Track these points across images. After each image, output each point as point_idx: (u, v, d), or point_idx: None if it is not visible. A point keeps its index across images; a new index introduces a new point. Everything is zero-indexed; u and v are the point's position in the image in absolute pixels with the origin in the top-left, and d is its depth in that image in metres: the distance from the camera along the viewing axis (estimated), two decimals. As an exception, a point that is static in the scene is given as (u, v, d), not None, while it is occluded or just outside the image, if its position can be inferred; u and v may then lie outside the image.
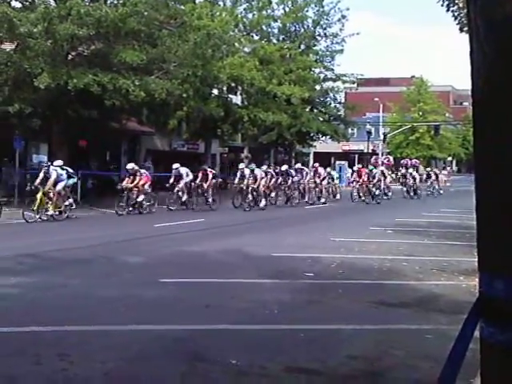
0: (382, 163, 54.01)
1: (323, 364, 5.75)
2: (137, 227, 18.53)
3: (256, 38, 41.23)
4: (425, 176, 39.60)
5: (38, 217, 19.03)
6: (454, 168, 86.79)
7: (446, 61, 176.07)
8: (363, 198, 31.22)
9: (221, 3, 36.91)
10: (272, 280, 9.81)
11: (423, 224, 19.65)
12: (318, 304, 8.23)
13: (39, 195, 19.32)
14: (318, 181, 30.66)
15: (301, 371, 5.58)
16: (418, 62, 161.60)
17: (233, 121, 35.60)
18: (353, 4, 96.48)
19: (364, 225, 18.97)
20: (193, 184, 25.34)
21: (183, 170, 25.28)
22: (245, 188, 25.47)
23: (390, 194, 34.89)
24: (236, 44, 33.03)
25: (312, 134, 43.91)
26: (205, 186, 25.25)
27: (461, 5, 16.20)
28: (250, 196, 25.36)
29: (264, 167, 29.17)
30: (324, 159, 55.01)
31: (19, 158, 24.78)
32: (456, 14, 16.94)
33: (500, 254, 1.66)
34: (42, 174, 19.92)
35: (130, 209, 22.42)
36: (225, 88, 35.04)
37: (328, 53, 43.28)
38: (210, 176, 25.66)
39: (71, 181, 21.14)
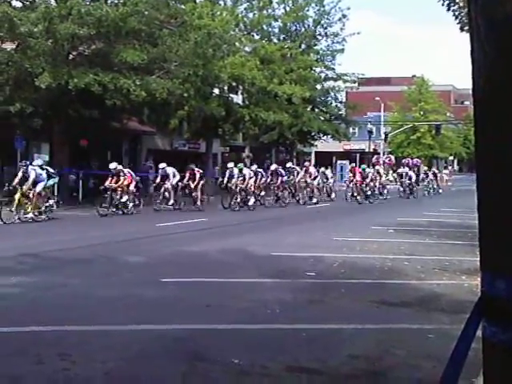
0: (384, 162, 54.12)
1: (325, 363, 5.74)
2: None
3: (257, 37, 41.22)
4: (421, 175, 39.34)
5: (16, 218, 18.40)
6: (456, 167, 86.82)
7: (446, 60, 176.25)
8: (358, 198, 30.64)
9: (221, 3, 36.94)
10: (273, 279, 9.80)
11: (425, 223, 19.62)
12: (319, 303, 8.22)
13: (17, 196, 18.64)
14: (308, 180, 30.00)
15: (302, 371, 5.57)
16: (418, 62, 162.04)
17: (234, 120, 35.59)
18: (353, 3, 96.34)
19: (365, 224, 18.94)
20: (180, 184, 24.95)
21: (170, 170, 24.89)
22: (234, 188, 25.18)
23: (385, 192, 34.53)
24: (237, 43, 33.00)
25: (313, 134, 43.91)
26: (192, 185, 24.87)
27: (461, 4, 16.20)
28: (238, 196, 25.04)
29: (254, 167, 28.69)
30: (325, 158, 55.12)
31: (20, 157, 24.74)
32: (457, 13, 16.93)
33: (502, 254, 1.65)
34: (20, 174, 19.23)
35: (114, 209, 21.77)
36: (226, 87, 35.02)
37: (329, 52, 43.28)
38: (198, 176, 25.27)
39: (51, 181, 20.45)
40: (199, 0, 30.92)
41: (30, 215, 19.01)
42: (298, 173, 30.38)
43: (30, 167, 19.41)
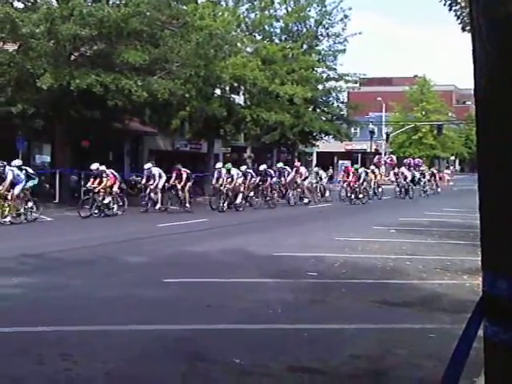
0: (386, 163, 54.10)
1: (326, 363, 5.74)
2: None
3: (258, 37, 41.19)
4: (418, 175, 38.93)
5: None
6: (457, 167, 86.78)
7: (448, 60, 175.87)
8: (352, 198, 30.09)
9: (223, 3, 36.91)
10: (275, 279, 9.80)
11: (426, 223, 19.59)
12: (321, 303, 8.22)
13: None
14: (298, 181, 29.45)
15: (304, 370, 5.57)
16: (420, 62, 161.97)
17: (235, 121, 35.58)
18: (355, 4, 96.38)
19: (367, 224, 18.94)
20: (166, 184, 24.39)
21: (155, 171, 24.39)
22: (222, 188, 24.75)
23: (380, 191, 34.23)
24: (238, 44, 33.00)
25: (315, 134, 43.88)
26: (178, 186, 24.16)
27: (463, 4, 16.19)
28: (224, 196, 24.61)
29: (243, 167, 28.24)
30: (327, 159, 55.15)
31: (22, 158, 24.72)
32: (458, 13, 16.93)
33: (503, 254, 1.65)
34: None
35: (96, 211, 20.99)
36: (227, 88, 35.01)
37: (330, 52, 43.24)
38: (185, 176, 24.50)
39: (31, 182, 19.52)
40: (201, 1, 30.92)
41: (9, 218, 18.18)
42: (288, 173, 29.75)
43: (8, 168, 18.52)
